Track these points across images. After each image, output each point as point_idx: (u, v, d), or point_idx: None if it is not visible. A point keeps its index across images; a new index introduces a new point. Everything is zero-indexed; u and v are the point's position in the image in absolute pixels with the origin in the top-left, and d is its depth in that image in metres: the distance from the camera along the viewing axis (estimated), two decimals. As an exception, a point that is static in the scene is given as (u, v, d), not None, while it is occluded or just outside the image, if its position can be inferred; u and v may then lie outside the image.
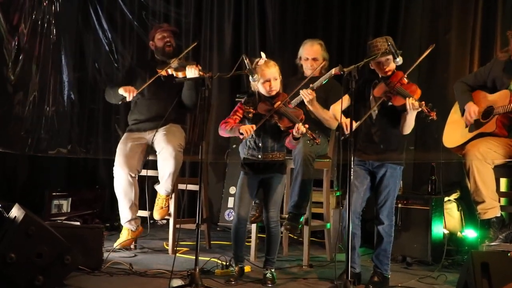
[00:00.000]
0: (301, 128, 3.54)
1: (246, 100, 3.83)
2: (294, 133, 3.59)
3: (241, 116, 3.79)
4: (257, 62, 3.73)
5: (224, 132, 3.76)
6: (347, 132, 3.46)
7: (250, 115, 3.75)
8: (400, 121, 3.60)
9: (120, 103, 4.72)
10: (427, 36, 5.34)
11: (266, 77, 3.69)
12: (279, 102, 3.69)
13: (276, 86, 3.73)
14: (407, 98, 3.45)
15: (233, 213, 3.87)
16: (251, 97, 3.83)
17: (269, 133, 3.74)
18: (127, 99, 4.58)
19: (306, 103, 4.28)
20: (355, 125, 3.42)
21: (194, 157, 4.59)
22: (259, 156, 3.75)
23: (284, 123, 3.67)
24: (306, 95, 4.25)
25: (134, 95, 4.56)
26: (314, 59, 4.54)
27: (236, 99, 5.46)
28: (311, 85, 4.32)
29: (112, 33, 6.10)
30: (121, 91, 4.59)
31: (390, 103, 3.58)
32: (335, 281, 3.59)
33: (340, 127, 3.58)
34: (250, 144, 3.77)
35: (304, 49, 4.59)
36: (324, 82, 4.32)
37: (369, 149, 3.72)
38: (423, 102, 3.42)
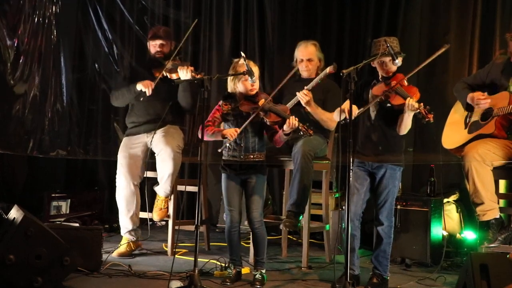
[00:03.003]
0: (293, 122, 3.55)
1: (225, 99, 3.84)
2: (285, 128, 3.59)
3: (220, 117, 3.80)
4: (237, 61, 3.75)
5: (205, 136, 3.73)
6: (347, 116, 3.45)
7: (229, 116, 3.77)
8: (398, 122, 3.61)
9: (141, 98, 4.59)
10: (426, 37, 5.35)
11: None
12: (262, 100, 3.71)
13: (257, 85, 3.77)
14: (407, 99, 3.47)
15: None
16: (230, 98, 3.84)
17: (250, 132, 3.75)
18: (148, 93, 4.52)
19: (303, 104, 4.28)
20: (357, 111, 3.47)
21: (193, 158, 4.59)
22: (241, 157, 3.76)
23: (272, 118, 3.68)
24: (303, 96, 4.25)
25: (153, 87, 4.53)
26: (309, 60, 4.54)
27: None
28: (305, 87, 4.32)
29: (112, 34, 6.10)
30: (139, 86, 4.53)
31: (388, 104, 3.59)
32: (335, 283, 3.60)
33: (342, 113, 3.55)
34: (230, 145, 3.77)
35: (298, 50, 4.59)
36: (319, 81, 4.33)
37: (368, 150, 3.73)
38: (422, 104, 3.43)
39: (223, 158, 3.83)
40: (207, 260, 4.15)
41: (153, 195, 4.75)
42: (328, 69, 4.34)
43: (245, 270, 4.04)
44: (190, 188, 4.86)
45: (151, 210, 4.71)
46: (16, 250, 3.23)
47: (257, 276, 3.77)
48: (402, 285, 3.84)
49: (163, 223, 5.66)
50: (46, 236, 3.36)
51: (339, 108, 3.63)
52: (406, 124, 3.59)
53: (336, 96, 4.33)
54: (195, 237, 3.46)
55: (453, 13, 5.28)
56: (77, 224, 5.18)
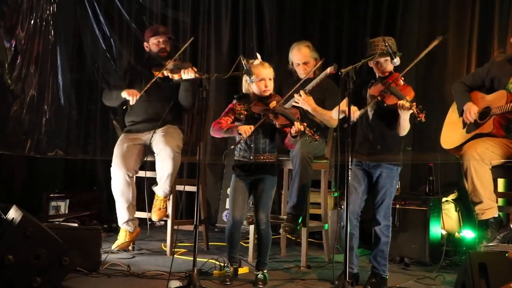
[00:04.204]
0: (299, 126, 3.56)
1: (239, 99, 3.84)
2: (291, 131, 3.60)
3: (233, 116, 3.80)
4: (253, 62, 3.76)
5: (218, 132, 3.76)
6: (352, 118, 3.46)
7: (242, 116, 3.78)
8: (396, 122, 3.61)
9: (123, 107, 4.71)
10: (424, 37, 5.35)
11: (262, 76, 3.73)
12: (274, 102, 3.72)
13: (271, 86, 3.78)
14: (399, 100, 3.47)
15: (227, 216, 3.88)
16: (244, 98, 3.84)
17: (261, 134, 3.76)
18: (131, 103, 4.58)
19: (300, 105, 4.29)
20: (358, 113, 3.48)
21: (192, 158, 4.59)
22: (251, 158, 3.76)
23: (280, 121, 3.69)
24: (298, 99, 4.28)
25: (137, 98, 4.56)
26: (305, 63, 4.55)
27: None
28: (305, 88, 4.33)
29: (110, 33, 6.09)
30: (124, 94, 4.59)
31: (385, 104, 3.59)
32: (333, 281, 3.60)
33: (343, 116, 3.55)
34: (241, 146, 3.78)
35: (292, 54, 4.59)
36: (318, 82, 4.34)
37: (365, 150, 3.73)
38: (414, 104, 3.43)
39: (235, 158, 3.84)
40: (206, 259, 4.16)
41: (152, 195, 4.75)
42: (328, 70, 4.34)
43: (244, 270, 4.05)
44: (189, 188, 4.85)
45: (150, 210, 4.71)
46: (15, 250, 3.23)
47: (259, 276, 3.78)
48: (401, 284, 3.84)
49: (162, 223, 5.65)
50: (45, 236, 3.36)
51: (337, 107, 3.63)
52: (403, 126, 3.58)
53: (335, 94, 4.34)
54: (194, 237, 3.46)
55: (452, 12, 5.28)
56: (76, 224, 5.18)
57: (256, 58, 3.81)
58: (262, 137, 3.76)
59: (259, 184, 3.80)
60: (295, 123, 3.59)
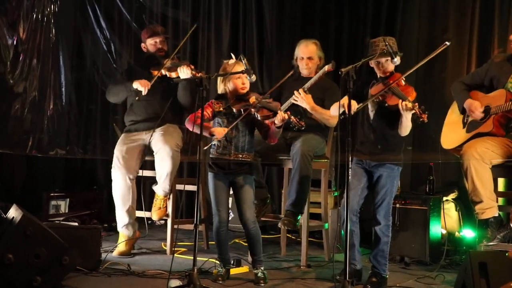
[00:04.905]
0: (283, 115, 3.60)
1: (216, 99, 3.87)
2: (276, 121, 3.63)
3: (211, 113, 3.82)
4: (227, 62, 3.81)
5: (191, 125, 3.70)
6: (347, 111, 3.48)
7: (221, 116, 3.80)
8: (397, 122, 3.61)
9: (136, 98, 4.65)
10: (424, 36, 5.35)
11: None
12: (253, 97, 3.76)
13: (247, 84, 3.81)
14: (401, 100, 3.46)
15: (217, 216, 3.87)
16: (221, 98, 3.87)
17: (241, 131, 3.78)
18: (143, 93, 4.54)
19: (299, 103, 4.30)
20: (357, 106, 3.49)
21: (192, 157, 4.59)
22: (230, 155, 3.76)
23: (263, 113, 3.72)
24: (297, 96, 4.29)
25: (149, 88, 4.54)
26: (310, 58, 4.55)
27: None
28: (303, 87, 4.34)
29: (110, 33, 6.10)
30: (136, 84, 4.55)
31: (386, 104, 3.59)
32: (335, 275, 3.61)
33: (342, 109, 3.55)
34: (220, 143, 3.79)
35: (299, 48, 4.61)
36: (317, 79, 4.35)
37: (367, 150, 3.73)
38: (416, 104, 3.43)
39: (211, 156, 3.84)
40: (206, 259, 4.16)
41: (152, 194, 4.75)
42: (326, 67, 4.35)
43: (244, 269, 4.05)
44: (189, 187, 4.86)
45: (150, 210, 4.71)
46: (15, 249, 3.23)
47: (259, 274, 3.79)
48: (401, 284, 3.84)
49: (162, 222, 5.66)
50: (45, 236, 3.36)
51: (336, 103, 3.63)
52: (405, 126, 3.58)
53: (335, 93, 4.35)
54: (194, 236, 3.46)
55: (452, 12, 5.28)
56: (76, 224, 5.18)
57: (231, 57, 3.85)
58: (241, 136, 3.79)
59: (240, 184, 3.80)
60: (279, 112, 3.62)
